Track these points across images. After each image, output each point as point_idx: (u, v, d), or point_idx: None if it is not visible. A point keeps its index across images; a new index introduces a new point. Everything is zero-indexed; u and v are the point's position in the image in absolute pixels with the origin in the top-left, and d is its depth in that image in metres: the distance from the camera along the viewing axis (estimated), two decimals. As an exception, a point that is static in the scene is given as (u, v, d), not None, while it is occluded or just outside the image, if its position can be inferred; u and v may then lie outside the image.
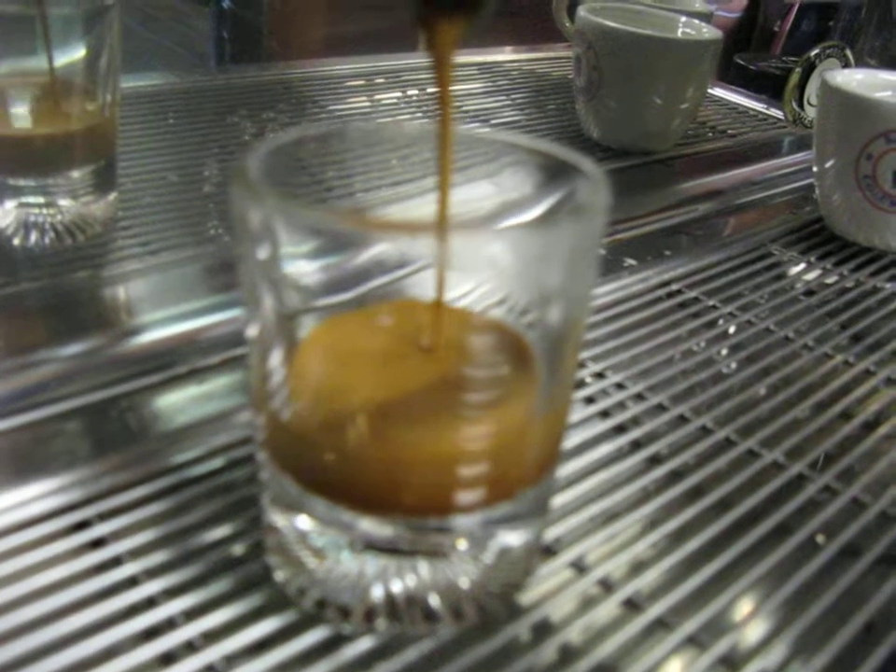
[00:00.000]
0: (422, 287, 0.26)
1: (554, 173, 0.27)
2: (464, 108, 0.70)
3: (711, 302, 0.48)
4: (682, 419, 0.38)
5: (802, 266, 0.55)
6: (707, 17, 0.71)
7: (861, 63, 0.76)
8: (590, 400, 0.39)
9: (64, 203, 0.44)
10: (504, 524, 0.26)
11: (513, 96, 0.74)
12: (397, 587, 0.26)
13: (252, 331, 0.25)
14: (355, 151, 0.30)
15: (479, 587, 0.27)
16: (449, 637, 0.27)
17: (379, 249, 0.24)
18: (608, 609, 0.28)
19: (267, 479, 0.27)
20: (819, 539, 0.32)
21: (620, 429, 0.37)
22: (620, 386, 0.40)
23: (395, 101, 0.70)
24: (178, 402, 0.36)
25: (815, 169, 0.58)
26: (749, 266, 0.53)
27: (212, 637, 0.26)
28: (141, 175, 0.52)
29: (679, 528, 0.32)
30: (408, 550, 0.25)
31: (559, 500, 0.32)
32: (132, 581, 0.28)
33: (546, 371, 0.26)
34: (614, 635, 0.27)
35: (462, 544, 0.26)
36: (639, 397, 0.39)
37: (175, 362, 0.38)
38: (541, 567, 0.30)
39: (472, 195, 0.28)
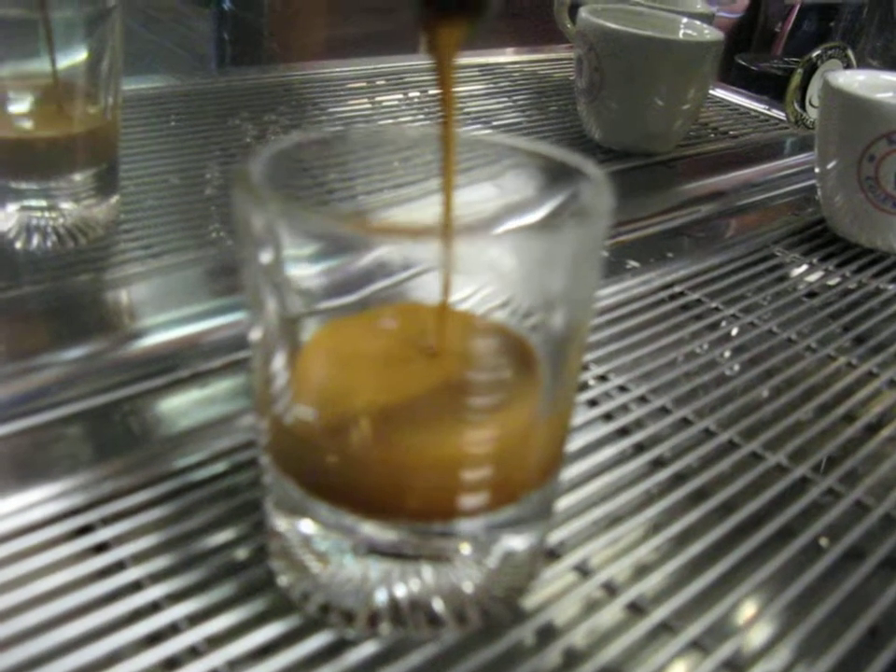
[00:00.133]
0: (425, 290, 0.26)
1: (557, 176, 0.27)
2: (466, 110, 0.70)
3: (714, 304, 0.48)
4: (685, 422, 0.38)
5: (804, 268, 0.55)
6: (708, 18, 0.71)
7: (862, 63, 0.76)
8: (593, 403, 0.39)
9: (66, 206, 0.44)
10: (508, 527, 0.26)
11: (515, 98, 0.74)
12: (400, 591, 0.26)
13: (255, 335, 0.25)
14: (357, 154, 0.30)
15: (483, 591, 0.27)
16: (453, 642, 0.27)
17: (382, 253, 0.24)
18: (611, 612, 0.28)
19: (270, 483, 0.27)
20: (823, 542, 0.32)
21: (623, 432, 0.37)
22: (623, 389, 0.40)
23: (396, 103, 0.70)
24: (181, 406, 0.36)
25: (817, 170, 0.58)
26: (751, 268, 0.53)
27: (216, 641, 0.26)
28: (143, 177, 0.52)
29: (682, 531, 0.32)
30: (411, 554, 0.25)
31: (563, 504, 0.32)
32: (135, 586, 0.28)
33: (549, 374, 0.26)
34: (618, 638, 0.27)
35: (466, 548, 0.26)
36: (642, 399, 0.39)
37: (177, 366, 0.38)
38: (545, 571, 0.29)
39: (475, 198, 0.28)
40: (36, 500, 0.30)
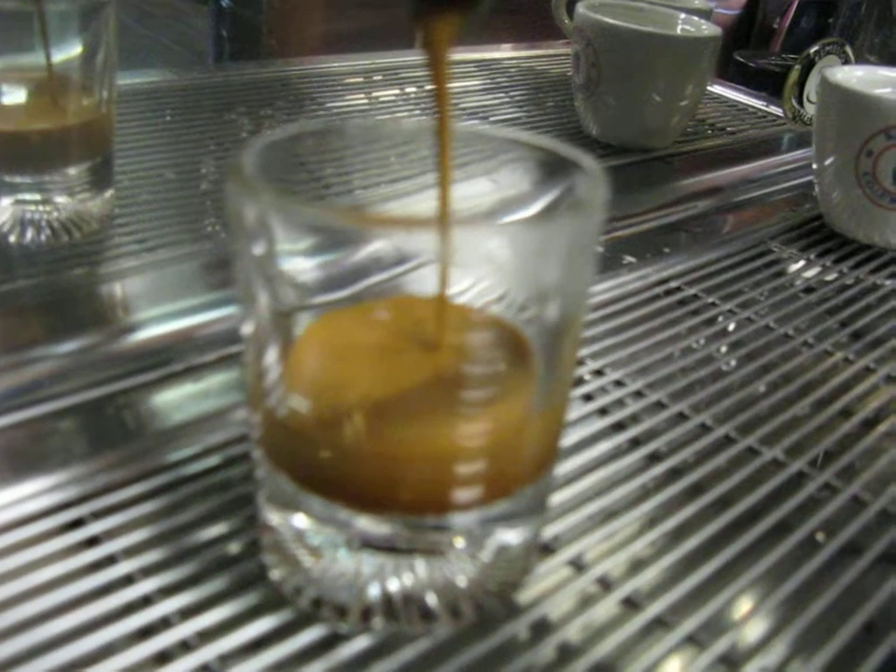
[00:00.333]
0: (419, 283, 0.26)
1: (553, 169, 0.27)
2: (463, 105, 0.70)
3: (710, 300, 0.48)
4: (681, 416, 0.38)
5: (801, 263, 0.54)
6: (706, 14, 0.71)
7: (860, 59, 0.76)
8: (588, 398, 0.39)
9: (61, 199, 0.44)
10: (502, 521, 0.26)
11: (512, 93, 0.74)
12: (394, 586, 0.26)
13: (247, 328, 0.25)
14: (353, 148, 0.29)
15: (476, 586, 0.27)
16: (446, 636, 0.26)
17: (375, 246, 0.23)
18: (606, 607, 0.28)
19: (262, 477, 0.27)
20: (819, 537, 0.32)
21: (619, 427, 0.37)
22: (619, 384, 0.40)
23: (393, 98, 0.69)
24: (174, 400, 0.36)
25: (814, 166, 0.58)
26: (748, 263, 0.53)
27: (207, 636, 0.26)
28: (138, 171, 0.52)
29: (678, 526, 0.32)
30: (405, 548, 0.25)
31: (557, 498, 0.32)
32: (127, 580, 0.27)
33: (544, 367, 0.26)
34: (613, 633, 0.27)
35: (460, 542, 0.26)
36: (638, 394, 0.39)
37: (171, 359, 0.38)
38: (540, 566, 0.29)
39: (471, 191, 0.28)
40: (28, 494, 0.30)
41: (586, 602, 0.28)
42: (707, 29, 0.66)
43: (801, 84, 0.70)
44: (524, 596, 0.28)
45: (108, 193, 0.47)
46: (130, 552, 0.28)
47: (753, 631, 0.28)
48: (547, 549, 0.30)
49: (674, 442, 0.36)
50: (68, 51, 0.43)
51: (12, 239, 0.44)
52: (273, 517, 0.27)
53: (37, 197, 0.44)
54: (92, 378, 0.36)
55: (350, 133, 0.29)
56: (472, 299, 0.27)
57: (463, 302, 0.27)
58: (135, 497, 0.31)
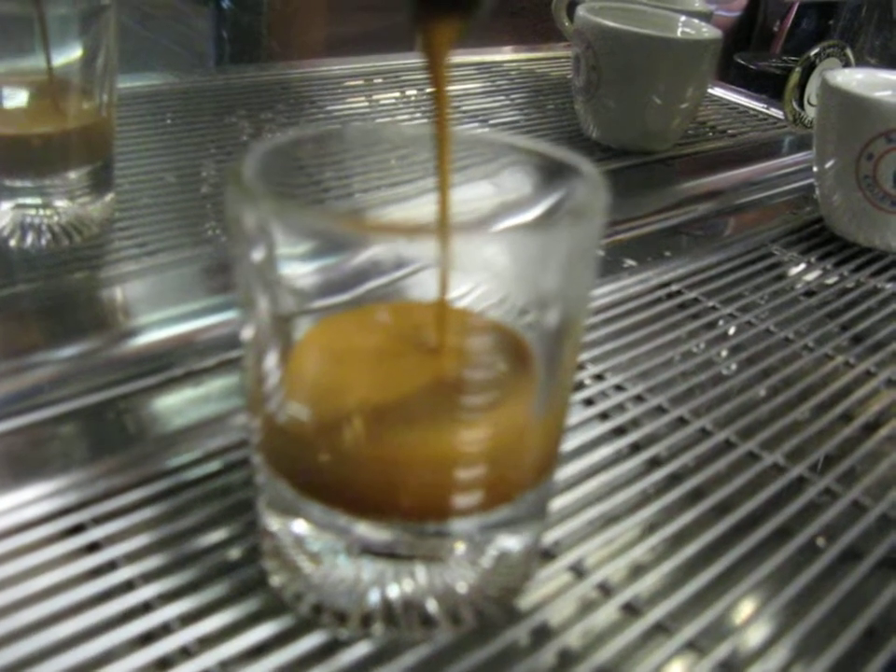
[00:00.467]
0: (419, 288, 0.26)
1: (553, 174, 0.27)
2: (463, 108, 0.70)
3: (711, 303, 0.48)
4: (682, 421, 0.38)
5: (802, 267, 0.54)
6: (706, 16, 0.71)
7: (861, 62, 0.76)
8: (589, 402, 0.39)
9: (61, 203, 0.44)
10: (502, 527, 0.26)
11: (512, 96, 0.74)
12: (394, 592, 0.26)
13: (247, 333, 0.25)
14: (353, 152, 0.29)
15: (477, 591, 0.27)
16: (447, 643, 0.26)
17: (375, 251, 0.23)
18: (607, 613, 0.28)
19: (262, 483, 0.27)
20: (820, 542, 0.32)
21: (619, 431, 0.37)
22: (619, 388, 0.40)
23: (393, 101, 0.69)
24: (175, 405, 0.36)
25: (815, 169, 0.58)
26: (748, 267, 0.53)
27: (207, 642, 0.26)
28: (138, 175, 0.52)
29: (678, 532, 0.32)
30: (405, 554, 0.25)
31: (558, 503, 0.32)
32: (127, 586, 0.27)
33: (545, 372, 0.26)
34: (613, 639, 0.27)
35: (460, 548, 0.26)
36: (639, 398, 0.39)
37: (171, 364, 0.38)
38: (540, 571, 0.29)
39: (471, 196, 0.28)
40: (29, 499, 0.30)
41: (587, 608, 0.28)
42: (708, 32, 0.66)
43: (801, 87, 0.70)
44: (524, 602, 0.28)
45: (109, 197, 0.47)
46: (130, 557, 0.28)
47: (754, 637, 0.28)
48: (547, 554, 0.30)
49: (674, 447, 0.36)
50: (68, 55, 0.43)
51: (12, 243, 0.44)
52: (273, 523, 0.27)
53: (38, 201, 0.44)
54: (93, 383, 0.36)
55: (349, 137, 0.29)
56: (472, 304, 0.27)
57: (463, 306, 0.27)
58: (136, 502, 0.31)
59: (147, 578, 0.28)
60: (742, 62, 0.94)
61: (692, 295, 0.49)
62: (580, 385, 0.39)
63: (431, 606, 0.26)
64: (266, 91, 0.68)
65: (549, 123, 0.70)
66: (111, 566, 0.28)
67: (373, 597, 0.26)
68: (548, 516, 0.30)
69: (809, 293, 0.51)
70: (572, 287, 0.25)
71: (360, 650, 0.26)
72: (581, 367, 0.41)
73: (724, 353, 0.44)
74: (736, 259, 0.53)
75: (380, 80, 0.72)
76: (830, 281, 0.53)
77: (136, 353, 0.38)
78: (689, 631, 0.28)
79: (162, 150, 0.56)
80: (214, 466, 0.33)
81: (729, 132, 0.74)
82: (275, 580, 0.28)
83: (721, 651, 0.27)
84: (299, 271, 0.24)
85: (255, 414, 0.26)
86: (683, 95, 0.65)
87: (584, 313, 0.27)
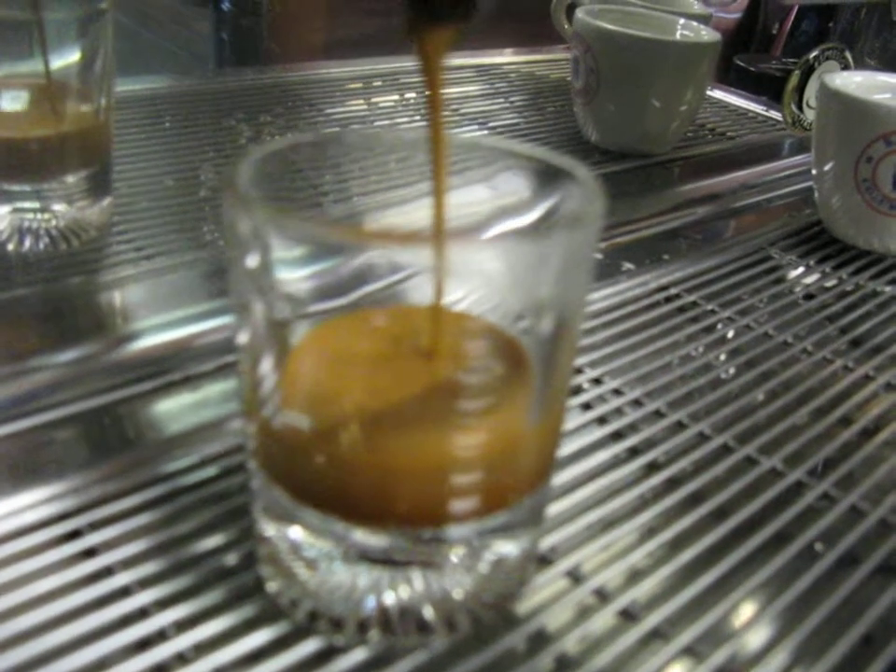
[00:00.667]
0: (414, 294, 0.26)
1: (549, 178, 0.27)
2: (462, 111, 0.70)
3: (710, 307, 0.48)
4: (680, 425, 0.38)
5: (801, 270, 0.54)
6: (705, 19, 0.71)
7: (860, 64, 0.76)
8: (587, 407, 0.39)
9: (59, 207, 0.44)
10: (499, 533, 0.26)
11: (512, 99, 0.74)
12: (390, 598, 0.26)
13: (242, 338, 0.25)
14: (350, 156, 0.29)
15: (473, 598, 0.27)
16: (443, 649, 0.26)
17: (370, 257, 0.23)
18: (604, 618, 0.28)
19: (258, 488, 0.27)
20: (818, 547, 0.32)
21: (617, 436, 0.37)
22: (617, 392, 0.40)
23: (392, 104, 0.69)
24: (172, 410, 0.36)
25: (814, 172, 0.58)
26: (747, 270, 0.53)
27: (204, 648, 0.26)
28: (136, 179, 0.52)
29: (676, 536, 0.32)
30: (401, 560, 0.25)
31: (555, 509, 0.32)
32: (123, 592, 0.27)
33: (541, 377, 0.26)
34: (610, 645, 0.27)
35: (456, 554, 0.26)
36: (637, 403, 0.39)
37: (169, 369, 0.37)
38: (537, 577, 0.29)
39: (467, 200, 0.28)
40: (25, 505, 0.30)
41: (584, 613, 0.28)
42: (707, 34, 0.66)
43: (801, 89, 0.70)
44: (521, 608, 0.28)
45: (107, 201, 0.47)
46: (127, 563, 0.28)
47: (752, 642, 0.28)
48: (544, 560, 0.30)
49: (672, 452, 0.36)
50: (66, 59, 0.43)
51: (10, 247, 0.44)
52: (269, 529, 0.27)
53: (36, 205, 0.44)
54: (90, 387, 0.36)
55: (347, 141, 0.29)
56: (467, 309, 0.27)
57: (459, 311, 0.27)
58: (133, 507, 0.30)
59: (144, 584, 0.28)
60: (742, 64, 0.93)
61: (690, 298, 0.49)
62: (577, 390, 0.39)
63: (428, 612, 0.26)
64: (265, 94, 0.68)
65: (548, 126, 0.70)
66: (107, 571, 0.28)
67: (370, 604, 0.26)
68: (545, 521, 0.30)
69: (808, 296, 0.51)
70: (568, 292, 0.25)
71: (357, 656, 0.26)
72: (578, 371, 0.40)
73: (723, 356, 0.44)
74: (735, 263, 0.53)
75: (379, 83, 0.72)
76: (829, 284, 0.53)
77: (134, 357, 0.38)
78: (686, 636, 0.28)
79: (161, 154, 0.56)
80: (211, 471, 0.32)
81: (728, 134, 0.74)
82: (272, 586, 0.27)
83: (719, 657, 0.27)
84: (294, 276, 0.24)
85: (250, 420, 0.26)
86: (682, 98, 0.64)
87: (580, 318, 0.27)
